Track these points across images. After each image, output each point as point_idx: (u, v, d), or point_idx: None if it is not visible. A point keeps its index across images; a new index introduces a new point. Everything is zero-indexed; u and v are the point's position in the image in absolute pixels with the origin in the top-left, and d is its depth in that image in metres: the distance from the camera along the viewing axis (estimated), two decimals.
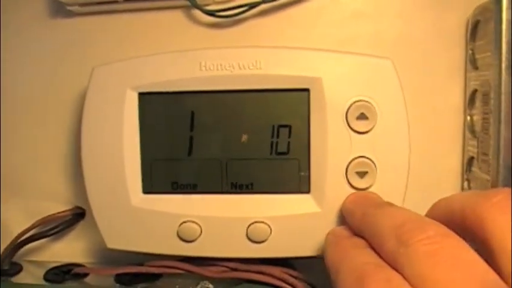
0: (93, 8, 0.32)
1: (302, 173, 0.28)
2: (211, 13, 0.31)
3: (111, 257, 0.34)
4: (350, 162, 0.27)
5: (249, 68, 0.28)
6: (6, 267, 0.33)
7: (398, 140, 0.27)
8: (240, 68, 0.28)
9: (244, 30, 0.32)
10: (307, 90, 0.28)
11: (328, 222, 0.27)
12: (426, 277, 0.16)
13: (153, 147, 0.29)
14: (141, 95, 0.29)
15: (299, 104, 0.28)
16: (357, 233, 0.23)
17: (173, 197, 0.29)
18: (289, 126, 0.28)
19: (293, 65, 0.27)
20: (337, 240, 0.23)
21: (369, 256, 0.20)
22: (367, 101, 0.27)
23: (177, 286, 0.30)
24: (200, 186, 0.29)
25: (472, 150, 0.30)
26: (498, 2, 0.25)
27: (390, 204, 0.23)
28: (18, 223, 0.34)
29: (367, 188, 0.27)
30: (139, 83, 0.28)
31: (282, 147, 0.28)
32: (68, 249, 0.35)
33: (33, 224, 0.33)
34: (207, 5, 0.31)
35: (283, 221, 0.28)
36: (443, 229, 0.18)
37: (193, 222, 0.29)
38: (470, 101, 0.30)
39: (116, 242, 0.30)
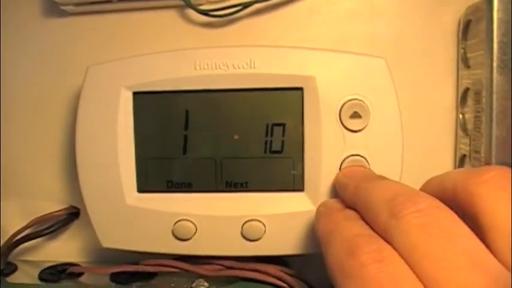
0: (87, 7, 0.32)
1: (296, 172, 0.28)
2: (205, 12, 0.31)
3: (106, 256, 0.34)
4: (344, 160, 0.27)
5: (243, 67, 0.28)
6: (1, 267, 0.33)
7: (391, 138, 0.27)
8: (234, 67, 0.28)
9: (238, 29, 0.32)
10: (300, 89, 0.28)
11: None
12: (417, 249, 0.16)
13: (148, 146, 0.29)
14: (136, 94, 0.29)
15: (293, 102, 0.28)
16: (349, 206, 0.23)
17: (168, 196, 0.29)
18: (283, 125, 0.28)
19: (287, 64, 0.28)
20: (328, 212, 0.23)
21: (361, 228, 0.19)
22: (360, 100, 0.27)
23: (172, 285, 0.30)
24: (195, 184, 0.29)
25: (464, 148, 0.30)
26: (490, 1, 0.26)
27: (383, 178, 0.23)
28: (13, 223, 0.34)
29: None
30: (134, 82, 0.29)
31: (276, 146, 0.29)
32: (63, 249, 0.35)
33: (27, 224, 0.33)
34: (201, 4, 0.31)
35: (277, 219, 0.28)
36: (436, 202, 0.18)
37: (188, 220, 0.29)
38: (462, 99, 0.30)
39: (111, 241, 0.30)
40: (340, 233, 0.20)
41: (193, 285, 0.29)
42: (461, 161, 0.31)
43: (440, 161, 0.32)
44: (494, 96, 0.26)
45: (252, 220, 0.28)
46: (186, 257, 0.30)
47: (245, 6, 0.30)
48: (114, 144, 0.29)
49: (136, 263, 0.31)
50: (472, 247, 0.16)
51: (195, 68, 0.28)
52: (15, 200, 0.35)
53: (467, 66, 0.30)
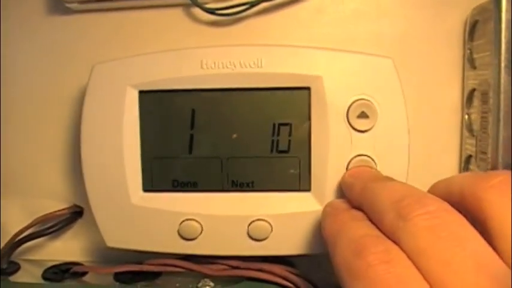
0: (92, 5, 0.32)
1: (302, 171, 0.28)
2: (211, 11, 0.31)
3: (109, 256, 0.33)
4: (350, 160, 0.27)
5: (250, 66, 0.28)
6: (4, 266, 0.33)
7: (398, 138, 0.27)
8: (241, 66, 0.28)
9: (244, 28, 0.32)
10: (308, 88, 0.28)
11: None
12: (425, 251, 0.16)
13: (154, 145, 0.29)
14: (142, 93, 0.29)
15: (300, 102, 0.28)
16: (355, 206, 0.23)
17: (174, 195, 0.29)
18: (290, 125, 0.28)
19: (294, 64, 0.27)
20: (335, 212, 0.23)
21: (368, 228, 0.19)
22: (368, 100, 0.27)
23: (177, 284, 0.30)
24: (201, 184, 0.29)
25: (470, 149, 0.30)
26: (498, 2, 0.26)
27: (390, 179, 0.23)
28: (16, 221, 0.33)
29: None
30: (140, 81, 0.28)
31: (283, 146, 0.28)
32: (66, 248, 0.35)
33: (31, 223, 0.33)
34: (207, 2, 0.31)
35: (283, 219, 0.28)
36: (444, 204, 0.18)
37: (194, 220, 0.29)
38: (468, 99, 0.30)
39: (115, 240, 0.30)
40: (346, 233, 0.20)
41: (199, 285, 0.29)
42: (466, 162, 0.31)
43: (445, 162, 0.32)
44: (502, 97, 0.26)
45: (258, 220, 0.28)
46: (192, 256, 0.30)
47: (252, 5, 0.30)
48: (119, 143, 0.28)
49: (141, 263, 0.31)
50: (480, 251, 0.16)
51: (201, 67, 0.28)
52: (18, 199, 0.35)
53: (474, 67, 0.30)
